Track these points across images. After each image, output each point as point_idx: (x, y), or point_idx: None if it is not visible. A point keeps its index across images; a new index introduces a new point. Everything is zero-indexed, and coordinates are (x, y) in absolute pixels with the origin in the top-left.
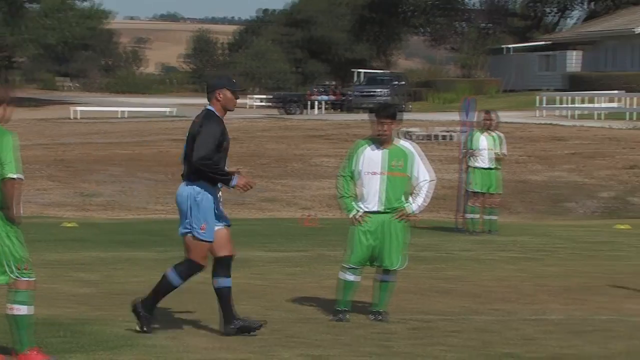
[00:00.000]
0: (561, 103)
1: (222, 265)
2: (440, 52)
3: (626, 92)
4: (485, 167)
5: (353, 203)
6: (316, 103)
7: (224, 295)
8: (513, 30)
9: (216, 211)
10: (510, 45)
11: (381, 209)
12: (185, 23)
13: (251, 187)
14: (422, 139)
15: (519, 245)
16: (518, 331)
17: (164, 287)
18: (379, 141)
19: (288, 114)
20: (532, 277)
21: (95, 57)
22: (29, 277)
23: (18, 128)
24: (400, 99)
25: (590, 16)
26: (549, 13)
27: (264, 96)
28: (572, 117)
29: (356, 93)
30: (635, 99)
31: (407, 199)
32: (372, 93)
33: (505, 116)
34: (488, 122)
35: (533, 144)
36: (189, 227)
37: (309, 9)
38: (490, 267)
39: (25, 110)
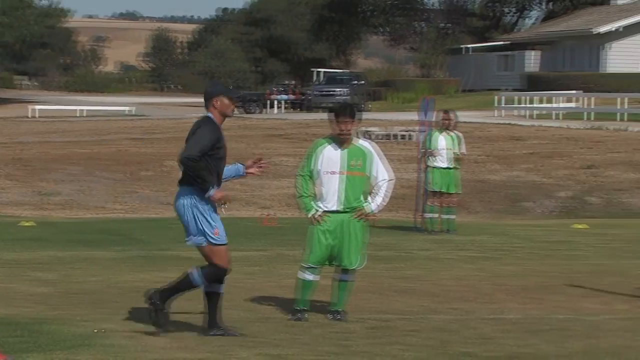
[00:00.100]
0: (519, 103)
1: None
2: (399, 52)
3: (584, 92)
4: (444, 166)
5: (312, 202)
6: (275, 102)
7: (212, 300)
8: (472, 30)
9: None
10: (469, 45)
11: (340, 208)
12: (145, 22)
13: (224, 204)
14: (382, 139)
15: (477, 245)
16: (476, 330)
17: (184, 285)
18: (339, 141)
19: (247, 113)
20: (490, 277)
21: (54, 56)
22: None
23: None
24: (360, 99)
25: (549, 16)
26: (508, 13)
27: None
28: (531, 117)
29: (315, 92)
30: (592, 99)
31: (366, 198)
32: (331, 92)
33: (464, 116)
34: (447, 121)
35: (492, 144)
36: (202, 236)
37: (269, 8)
38: (449, 267)
39: None
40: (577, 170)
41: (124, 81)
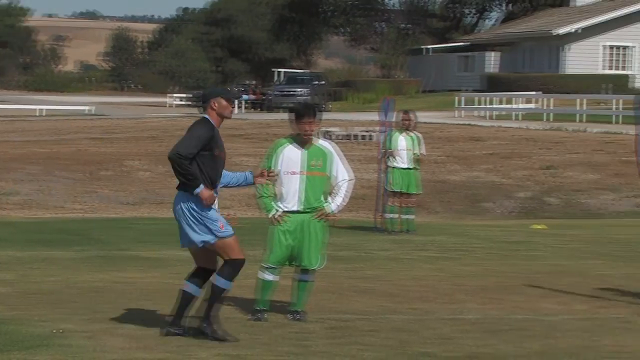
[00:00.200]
0: (479, 104)
1: (200, 276)
2: (360, 52)
3: (543, 93)
4: (405, 167)
5: (272, 203)
6: (236, 102)
7: (186, 300)
8: (432, 31)
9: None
10: (429, 46)
11: (300, 208)
12: (105, 21)
13: (212, 203)
14: (342, 139)
15: (437, 245)
16: (435, 330)
17: (216, 296)
18: (301, 141)
19: None
20: (450, 277)
21: (13, 55)
22: None
23: None
24: (320, 99)
25: (508, 18)
26: (468, 14)
27: (184, 95)
28: (490, 117)
29: (276, 92)
30: (552, 100)
31: (326, 198)
32: (292, 92)
33: (424, 116)
34: (407, 122)
35: (452, 145)
36: (210, 234)
37: (229, 8)
38: (409, 267)
39: None
40: (536, 170)
41: (84, 80)
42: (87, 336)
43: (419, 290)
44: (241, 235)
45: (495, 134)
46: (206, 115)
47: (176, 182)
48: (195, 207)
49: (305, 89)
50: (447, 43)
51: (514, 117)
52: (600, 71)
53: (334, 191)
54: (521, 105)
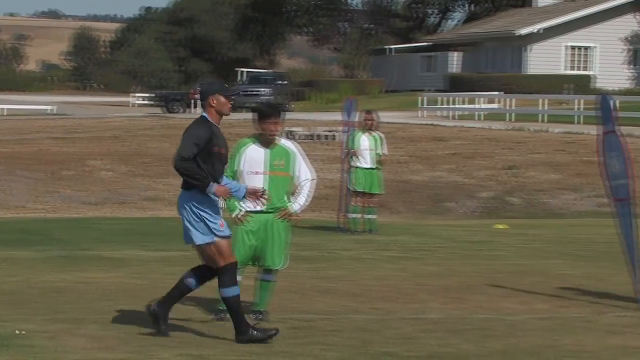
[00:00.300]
0: (442, 104)
1: (202, 273)
2: (323, 52)
3: (505, 93)
4: (368, 167)
5: (236, 203)
6: (199, 102)
7: (180, 287)
8: (395, 31)
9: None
10: (392, 46)
11: (264, 208)
12: (67, 20)
13: (230, 196)
14: (305, 139)
15: (399, 245)
16: (397, 330)
17: (232, 307)
18: (264, 141)
19: (170, 112)
20: (412, 277)
21: None
22: None
23: None
24: (283, 99)
25: (471, 18)
26: (431, 14)
27: (146, 95)
28: (453, 117)
29: (239, 92)
30: (514, 100)
31: (289, 198)
32: (255, 92)
33: (387, 116)
34: (369, 122)
35: (414, 144)
36: (210, 234)
37: (192, 8)
38: (371, 267)
39: None
40: (498, 170)
41: (46, 80)
42: (48, 336)
43: (382, 290)
44: None
45: (457, 134)
46: (205, 114)
47: (171, 179)
48: (196, 205)
49: (268, 89)
50: (410, 43)
51: (476, 117)
52: (562, 71)
53: (296, 191)
54: (484, 106)
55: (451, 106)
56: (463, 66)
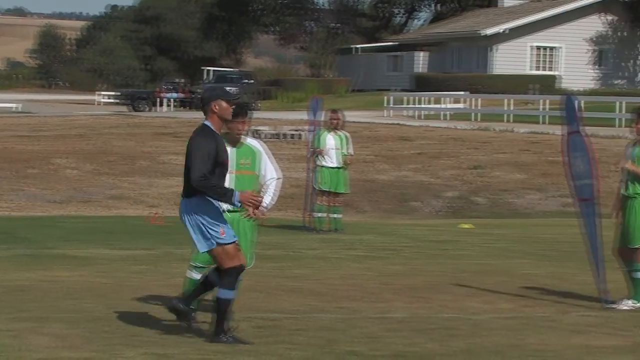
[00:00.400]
0: (408, 103)
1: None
2: (289, 51)
3: (471, 93)
4: (333, 166)
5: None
6: (165, 100)
7: (206, 288)
8: (362, 31)
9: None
10: (358, 46)
11: (230, 207)
12: (33, 18)
13: (259, 202)
14: (271, 138)
15: (365, 244)
16: (362, 329)
17: (224, 308)
18: (231, 140)
19: (136, 111)
20: (377, 276)
21: None
22: None
23: None
24: (250, 98)
25: (437, 18)
26: (397, 14)
27: (112, 93)
28: (419, 117)
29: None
30: (479, 100)
31: None
32: None
33: (353, 116)
34: (335, 121)
35: (380, 144)
36: (211, 240)
37: (158, 6)
38: (336, 266)
39: None
40: (463, 170)
41: (11, 78)
42: (12, 335)
43: (347, 289)
44: (169, 234)
45: (423, 134)
46: (206, 122)
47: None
48: (198, 213)
49: (235, 88)
50: (377, 43)
51: (442, 117)
52: (528, 72)
53: (262, 190)
54: (449, 105)
55: (417, 106)
56: (429, 66)
